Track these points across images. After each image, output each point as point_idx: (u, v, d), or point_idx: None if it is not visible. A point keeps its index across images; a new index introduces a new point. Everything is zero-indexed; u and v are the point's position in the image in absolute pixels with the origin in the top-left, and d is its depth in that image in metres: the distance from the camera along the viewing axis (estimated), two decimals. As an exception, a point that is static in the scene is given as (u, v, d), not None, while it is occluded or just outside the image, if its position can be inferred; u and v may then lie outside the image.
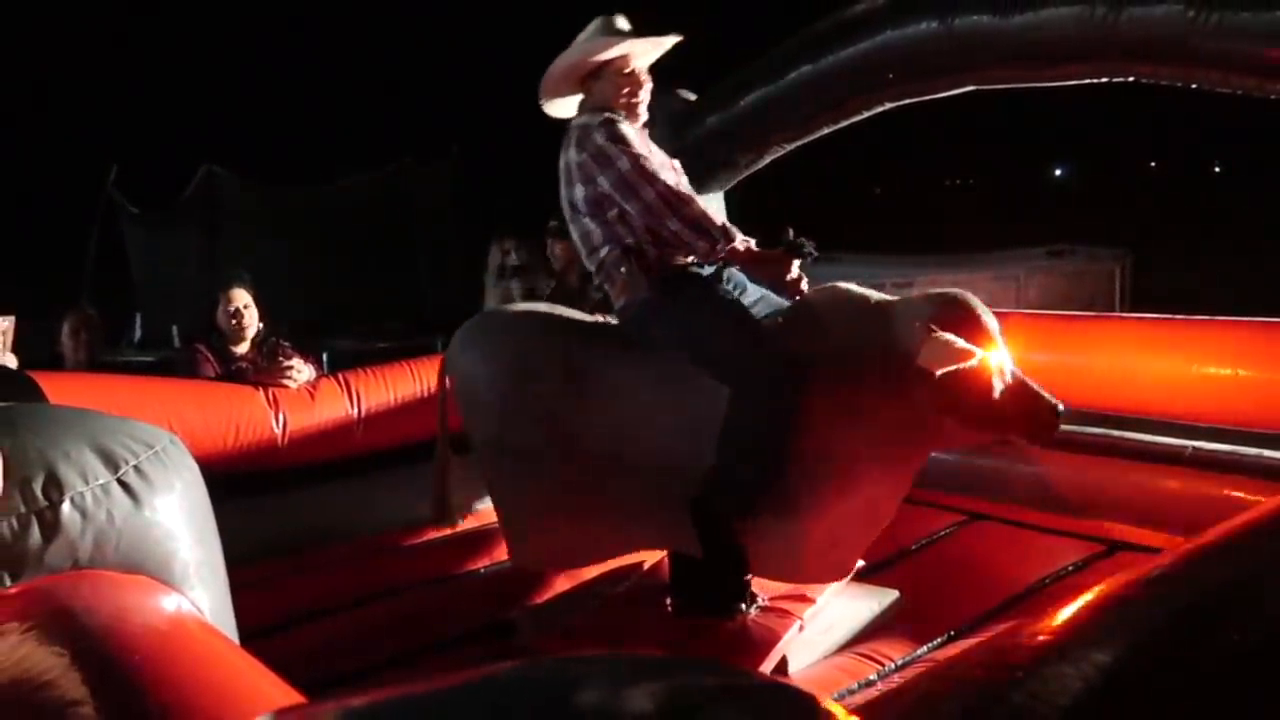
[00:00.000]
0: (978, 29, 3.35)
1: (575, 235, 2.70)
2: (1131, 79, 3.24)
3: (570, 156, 2.61)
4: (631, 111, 2.69)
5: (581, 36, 2.73)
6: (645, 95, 2.72)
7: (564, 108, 2.82)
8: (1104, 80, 3.34)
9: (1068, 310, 5.61)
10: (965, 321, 2.37)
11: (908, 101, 3.90)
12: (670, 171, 2.65)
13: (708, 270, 2.63)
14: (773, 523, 2.47)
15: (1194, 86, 3.12)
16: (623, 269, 2.57)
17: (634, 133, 2.62)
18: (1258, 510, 1.15)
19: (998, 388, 2.36)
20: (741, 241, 2.52)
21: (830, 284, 2.67)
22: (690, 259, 2.61)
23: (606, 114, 2.63)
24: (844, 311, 2.52)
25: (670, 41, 2.74)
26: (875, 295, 2.59)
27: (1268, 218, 17.75)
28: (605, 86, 2.69)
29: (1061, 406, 2.42)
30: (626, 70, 2.68)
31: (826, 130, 4.09)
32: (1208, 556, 1.04)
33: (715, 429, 2.46)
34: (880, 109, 3.97)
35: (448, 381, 2.85)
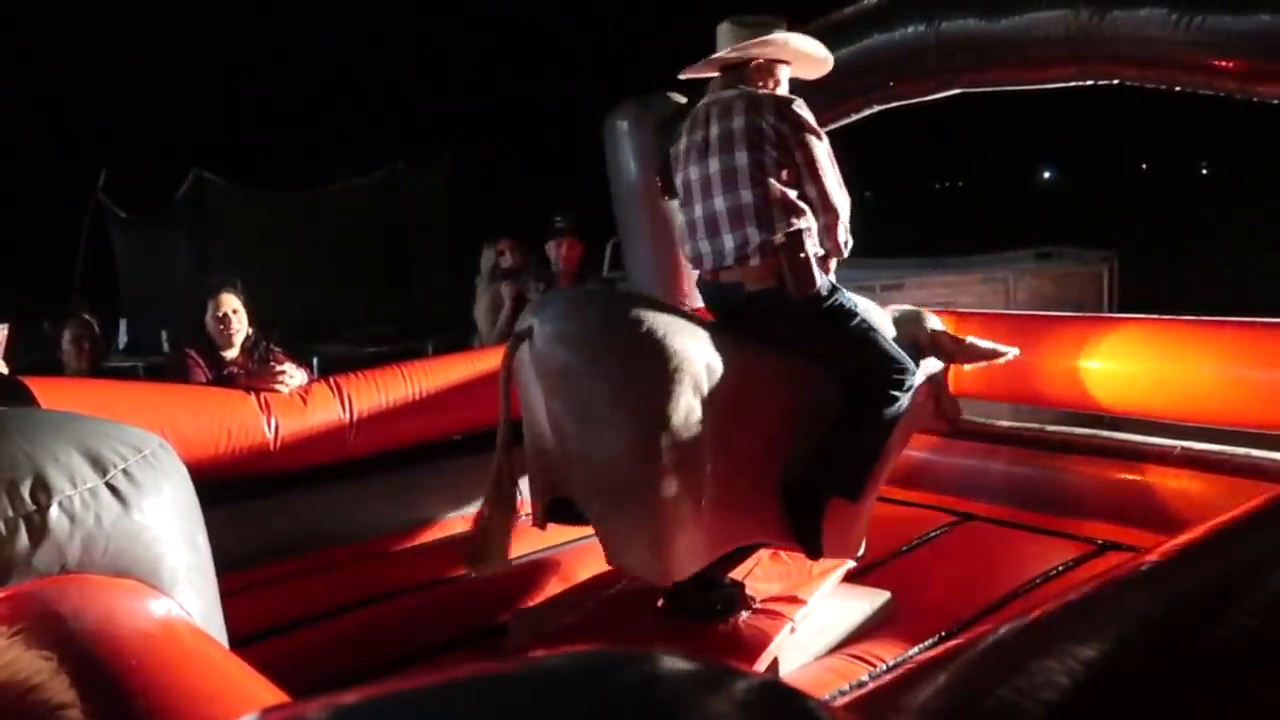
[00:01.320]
0: (964, 32, 3.37)
1: (746, 199, 2.55)
2: (1116, 81, 3.26)
3: (767, 120, 2.54)
4: None
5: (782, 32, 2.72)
6: None
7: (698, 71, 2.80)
8: (1090, 83, 3.36)
9: (1056, 311, 5.64)
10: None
11: (896, 104, 3.92)
12: None
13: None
14: (848, 504, 2.70)
15: (1177, 89, 3.15)
16: (802, 252, 2.54)
17: None
18: (1240, 509, 1.16)
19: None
20: None
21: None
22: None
23: (796, 96, 2.67)
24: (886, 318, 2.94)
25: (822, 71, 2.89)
26: (869, 303, 2.96)
27: (1254, 219, 17.87)
28: (761, 80, 2.70)
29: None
30: (778, 75, 2.75)
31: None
32: (1190, 554, 1.05)
33: (813, 418, 2.64)
34: (869, 111, 3.98)
35: (531, 362, 2.47)
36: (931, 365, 2.97)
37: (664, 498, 2.37)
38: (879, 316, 2.88)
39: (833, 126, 4.03)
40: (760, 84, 2.69)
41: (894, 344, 2.71)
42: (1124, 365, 3.50)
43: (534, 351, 2.46)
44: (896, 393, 2.65)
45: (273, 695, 1.03)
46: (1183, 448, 3.38)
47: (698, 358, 2.43)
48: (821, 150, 2.59)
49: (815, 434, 2.64)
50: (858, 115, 4.00)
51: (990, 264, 8.38)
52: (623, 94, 4.35)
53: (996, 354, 2.91)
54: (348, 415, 3.27)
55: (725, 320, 2.72)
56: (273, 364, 3.36)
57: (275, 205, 11.01)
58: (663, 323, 2.46)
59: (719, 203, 2.61)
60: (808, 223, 2.58)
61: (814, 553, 2.69)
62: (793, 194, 2.56)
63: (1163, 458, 3.39)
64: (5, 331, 3.09)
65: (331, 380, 3.36)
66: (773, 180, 2.55)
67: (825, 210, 2.61)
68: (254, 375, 3.30)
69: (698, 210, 2.67)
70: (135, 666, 0.98)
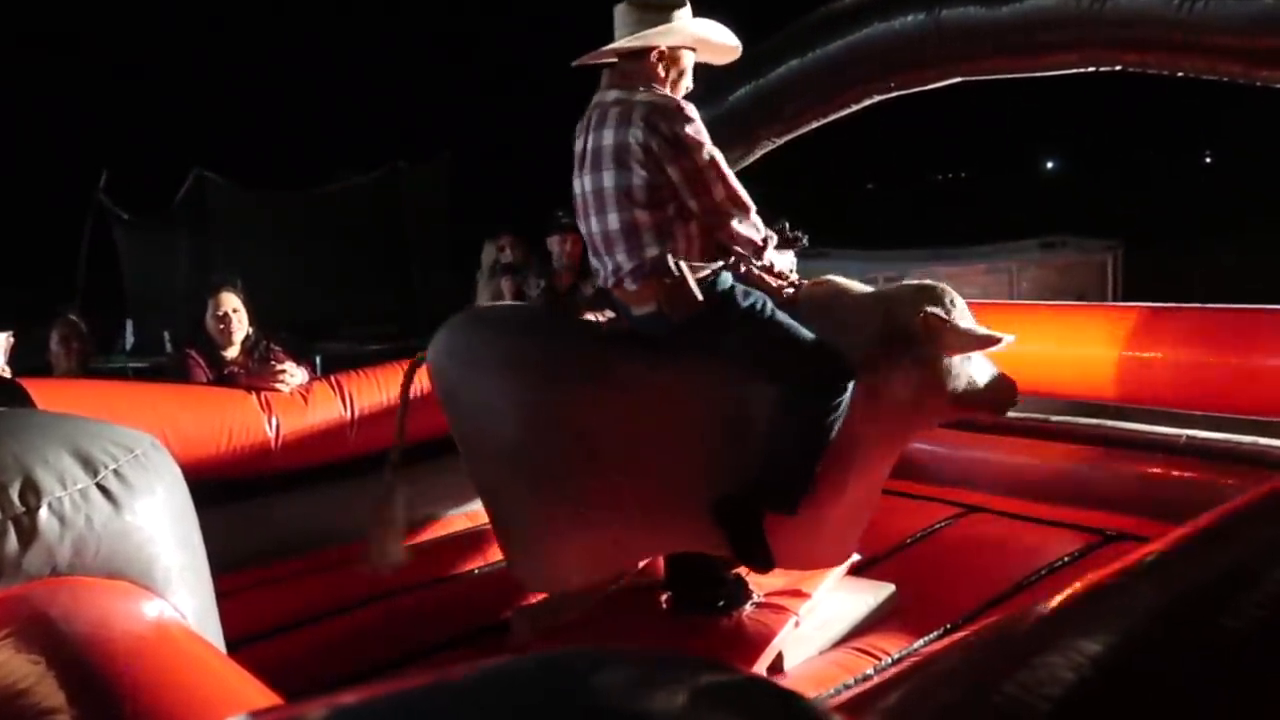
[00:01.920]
0: (965, 20, 3.35)
1: (613, 225, 2.42)
2: (1119, 68, 3.24)
3: (633, 136, 2.33)
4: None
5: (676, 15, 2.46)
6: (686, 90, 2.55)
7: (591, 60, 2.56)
8: (1092, 70, 3.34)
9: (1061, 301, 5.62)
10: (952, 310, 2.59)
11: (897, 94, 3.89)
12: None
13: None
14: (800, 513, 2.53)
15: (1180, 75, 3.12)
16: (670, 277, 2.37)
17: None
18: (1246, 498, 1.15)
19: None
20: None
21: (824, 277, 2.77)
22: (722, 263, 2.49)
23: (678, 98, 2.43)
24: (849, 305, 2.64)
25: (731, 57, 2.68)
26: (862, 287, 2.75)
27: (1258, 207, 17.78)
28: (662, 70, 2.46)
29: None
30: (682, 64, 2.51)
31: (815, 124, 4.09)
32: (1197, 545, 1.04)
33: (738, 429, 2.49)
34: (869, 102, 3.96)
35: (431, 385, 2.63)
36: (925, 355, 2.57)
37: (538, 510, 2.47)
38: (835, 299, 2.65)
39: (834, 117, 4.01)
40: (656, 76, 2.46)
41: (817, 341, 2.46)
42: (1130, 354, 3.48)
43: (431, 375, 2.63)
44: (825, 395, 2.41)
45: (265, 697, 1.02)
46: (1189, 436, 3.35)
47: (577, 374, 2.48)
48: (703, 159, 2.36)
49: (735, 449, 2.50)
50: (857, 105, 3.98)
51: (993, 254, 8.35)
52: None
53: (990, 340, 2.54)
54: (348, 414, 3.26)
55: (630, 333, 2.61)
56: (273, 363, 3.35)
57: (276, 205, 11.01)
58: (540, 342, 2.53)
59: (594, 224, 2.49)
60: (683, 242, 2.41)
61: (759, 567, 2.59)
62: (669, 211, 2.40)
63: (1169, 447, 3.37)
64: (9, 339, 3.10)
65: (332, 379, 3.36)
66: (638, 205, 2.38)
67: (718, 222, 2.43)
68: (255, 374, 3.29)
69: (583, 227, 2.57)
70: (126, 669, 0.97)
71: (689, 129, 2.36)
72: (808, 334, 2.46)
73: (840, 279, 2.79)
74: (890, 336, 2.54)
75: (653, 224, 2.40)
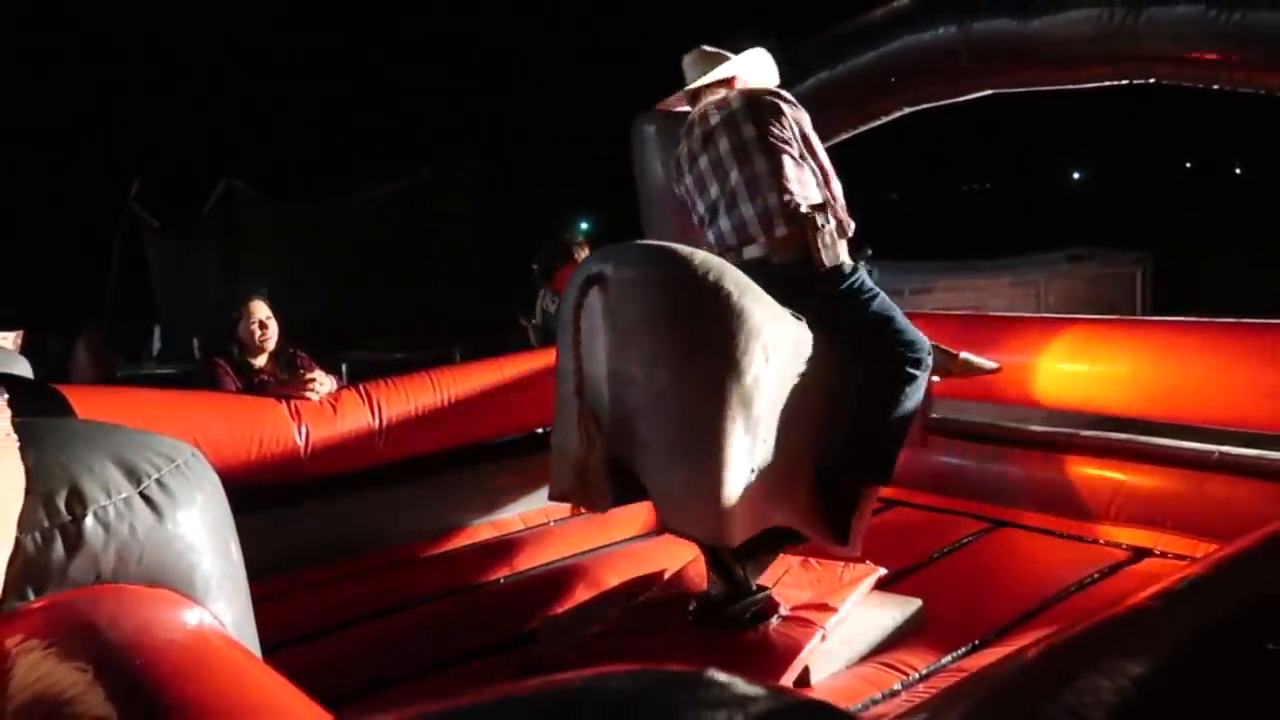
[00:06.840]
0: (996, 33, 3.34)
1: (760, 167, 2.72)
2: (1152, 80, 3.22)
3: (764, 100, 2.79)
4: None
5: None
6: None
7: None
8: (1124, 82, 3.32)
9: (1088, 314, 5.56)
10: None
11: (926, 106, 3.89)
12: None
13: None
14: (867, 495, 2.73)
15: (1215, 87, 3.09)
16: (824, 224, 2.66)
17: None
18: (1292, 517, 1.13)
19: None
20: None
21: None
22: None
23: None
24: None
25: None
26: None
27: (1290, 218, 17.51)
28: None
29: None
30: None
31: (845, 135, 4.08)
32: (1240, 565, 1.02)
33: (836, 403, 2.62)
34: (898, 114, 3.96)
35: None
36: None
37: (728, 454, 2.33)
38: None
39: (863, 128, 4.01)
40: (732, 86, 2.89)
41: (906, 322, 2.76)
42: (1160, 368, 3.44)
43: (607, 297, 2.44)
44: (916, 374, 2.69)
45: (304, 704, 1.03)
46: (1221, 452, 3.31)
47: (767, 325, 2.42)
48: (810, 129, 2.77)
49: (836, 420, 2.63)
50: (888, 117, 3.97)
51: (1021, 267, 8.27)
52: (647, 100, 4.33)
53: (984, 369, 3.20)
54: (377, 422, 3.28)
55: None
56: (302, 371, 3.38)
57: (303, 214, 11.13)
58: (741, 284, 2.43)
59: (734, 176, 2.72)
60: (823, 195, 2.71)
61: (842, 541, 2.65)
62: (807, 164, 2.73)
63: (1201, 463, 3.32)
64: (18, 337, 3.13)
65: (361, 388, 3.38)
66: (783, 149, 2.69)
67: (828, 185, 2.76)
68: (284, 383, 3.33)
69: (713, 192, 2.79)
70: (169, 677, 0.98)
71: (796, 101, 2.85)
72: (900, 313, 2.77)
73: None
74: None
75: (796, 170, 2.70)
